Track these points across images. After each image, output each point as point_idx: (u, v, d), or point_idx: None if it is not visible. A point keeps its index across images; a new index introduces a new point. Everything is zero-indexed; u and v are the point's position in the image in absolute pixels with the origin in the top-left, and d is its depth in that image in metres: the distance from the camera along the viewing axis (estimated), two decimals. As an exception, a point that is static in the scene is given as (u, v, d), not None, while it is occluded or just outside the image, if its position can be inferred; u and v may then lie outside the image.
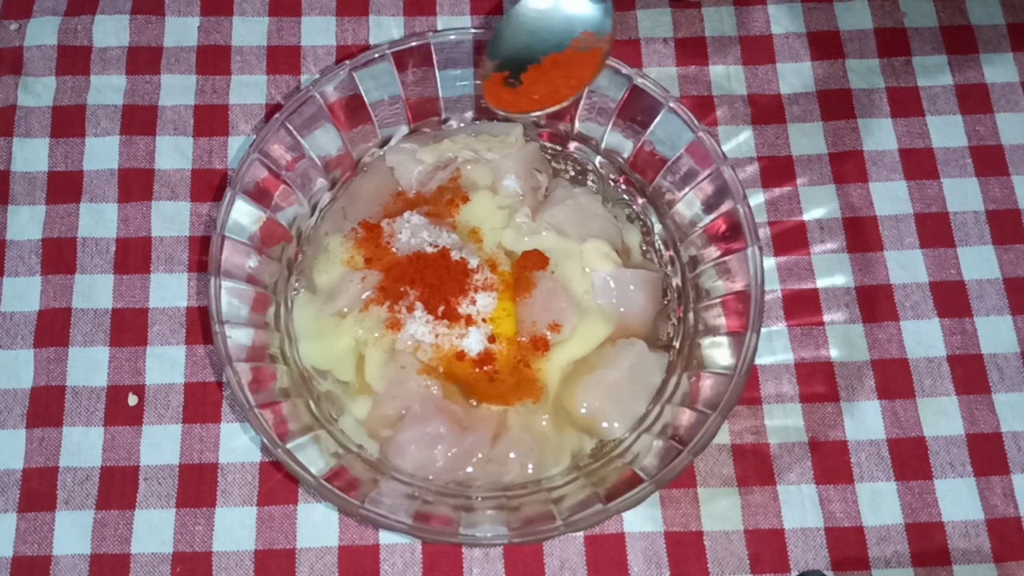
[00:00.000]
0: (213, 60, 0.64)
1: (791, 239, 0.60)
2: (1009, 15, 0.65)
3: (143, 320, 0.57)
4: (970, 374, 0.56)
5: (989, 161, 0.62)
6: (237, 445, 0.55)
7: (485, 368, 0.52)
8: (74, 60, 0.63)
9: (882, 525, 0.53)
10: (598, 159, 0.59)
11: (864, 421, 0.55)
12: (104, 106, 0.62)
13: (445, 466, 0.50)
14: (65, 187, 0.60)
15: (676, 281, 0.56)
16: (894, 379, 0.56)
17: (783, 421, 0.55)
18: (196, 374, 0.56)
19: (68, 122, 0.62)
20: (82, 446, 0.54)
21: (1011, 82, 0.64)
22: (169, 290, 0.58)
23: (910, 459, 0.55)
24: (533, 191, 0.58)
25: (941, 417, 0.55)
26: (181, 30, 0.64)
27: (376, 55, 0.55)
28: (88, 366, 0.56)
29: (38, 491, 0.53)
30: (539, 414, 0.52)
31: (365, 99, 0.56)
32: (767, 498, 0.54)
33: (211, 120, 0.62)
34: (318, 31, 0.65)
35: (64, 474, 0.54)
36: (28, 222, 0.59)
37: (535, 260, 0.54)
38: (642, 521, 0.53)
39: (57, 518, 0.53)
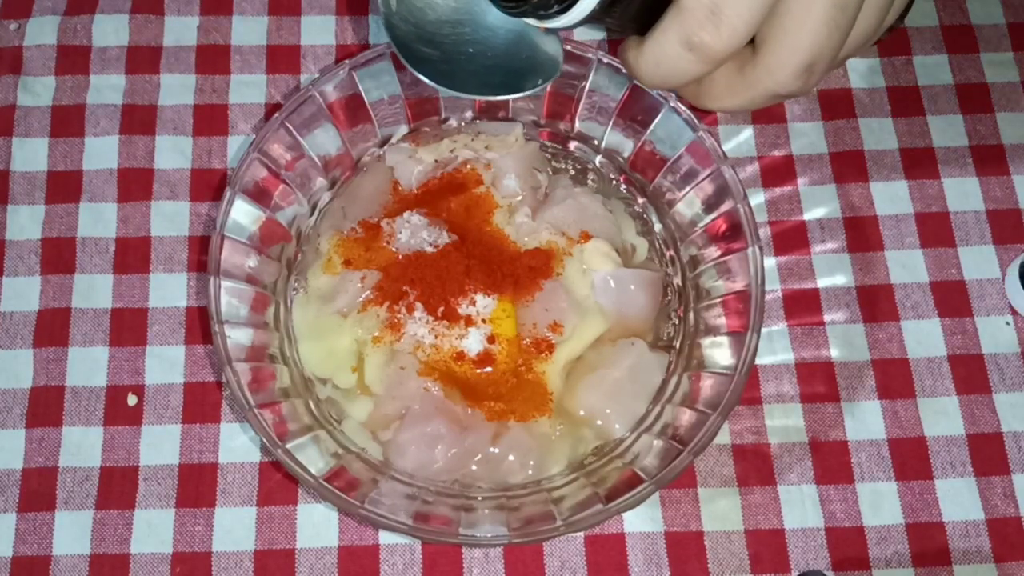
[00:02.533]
0: (212, 59, 0.64)
1: (791, 239, 0.59)
2: (1009, 15, 0.65)
3: (142, 320, 0.57)
4: (970, 374, 0.56)
5: (989, 160, 0.61)
6: (237, 445, 0.55)
7: (486, 369, 0.52)
8: (73, 60, 0.63)
9: (882, 525, 0.53)
10: (598, 158, 0.59)
11: (864, 421, 0.55)
12: (103, 106, 0.62)
13: (445, 466, 0.50)
14: (64, 187, 0.60)
15: (676, 281, 0.56)
16: (894, 379, 0.56)
17: (783, 421, 0.55)
18: (196, 374, 0.56)
19: (67, 122, 0.62)
20: (82, 446, 0.54)
21: (1011, 81, 0.64)
22: (168, 290, 0.58)
23: (910, 459, 0.55)
24: (533, 190, 0.58)
25: (941, 417, 0.55)
26: (180, 29, 0.64)
27: (376, 54, 0.55)
28: (87, 366, 0.56)
29: (37, 491, 0.53)
30: (539, 414, 0.52)
31: (365, 98, 0.56)
32: (767, 498, 0.54)
33: (210, 120, 0.62)
34: (318, 30, 0.65)
35: (64, 474, 0.54)
36: (27, 222, 0.59)
37: (541, 259, 0.54)
38: (642, 521, 0.53)
39: (57, 518, 0.53)
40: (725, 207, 0.53)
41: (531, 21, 0.41)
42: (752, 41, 0.38)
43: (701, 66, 0.38)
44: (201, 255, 0.59)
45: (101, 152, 0.61)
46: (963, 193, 0.61)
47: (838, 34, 0.37)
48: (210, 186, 0.60)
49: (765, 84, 0.39)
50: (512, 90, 0.44)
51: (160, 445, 0.54)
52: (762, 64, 0.38)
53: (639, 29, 0.40)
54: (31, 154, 0.61)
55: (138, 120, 0.62)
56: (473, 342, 0.52)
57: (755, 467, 0.54)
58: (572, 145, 0.60)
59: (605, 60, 0.54)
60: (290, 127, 0.54)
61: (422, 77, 0.42)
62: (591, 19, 0.39)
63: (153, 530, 0.53)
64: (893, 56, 0.64)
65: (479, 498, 0.50)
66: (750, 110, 0.41)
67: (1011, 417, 0.55)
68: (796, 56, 0.37)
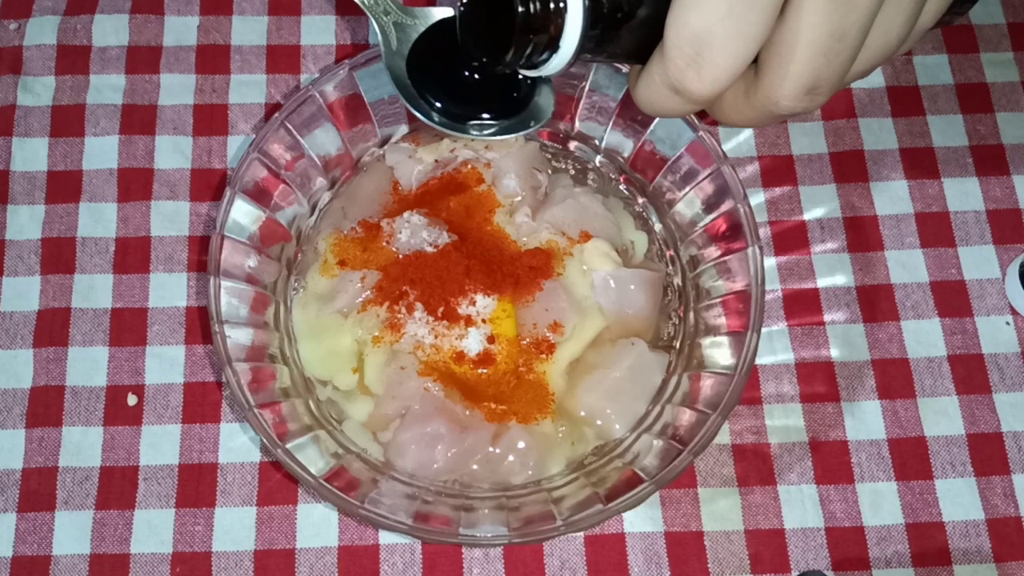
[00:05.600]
0: (212, 59, 0.64)
1: (791, 239, 0.59)
2: (1009, 15, 0.65)
3: (142, 320, 0.57)
4: (970, 374, 0.56)
5: (990, 160, 0.61)
6: (237, 445, 0.55)
7: (484, 370, 0.52)
8: (73, 59, 0.63)
9: (882, 525, 0.53)
10: (598, 158, 0.59)
11: (865, 421, 0.55)
12: (103, 105, 0.62)
13: (445, 466, 0.50)
14: (64, 187, 0.60)
15: (676, 281, 0.56)
16: (894, 379, 0.56)
17: (783, 421, 0.55)
18: (195, 374, 0.56)
19: (67, 122, 0.62)
20: (81, 446, 0.54)
21: (1011, 81, 0.64)
22: (168, 290, 0.58)
23: (910, 459, 0.55)
24: (533, 190, 0.58)
25: (941, 417, 0.55)
26: (180, 29, 0.64)
27: (376, 54, 0.55)
28: (87, 366, 0.56)
29: (38, 491, 0.53)
30: (540, 414, 0.52)
31: (365, 98, 0.56)
32: (767, 498, 0.54)
33: (210, 120, 0.62)
34: (318, 30, 0.65)
35: (64, 474, 0.54)
36: (27, 222, 0.59)
37: (541, 259, 0.54)
38: (642, 521, 0.53)
39: (57, 518, 0.53)
40: (725, 207, 0.53)
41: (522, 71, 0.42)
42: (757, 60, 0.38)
43: (690, 106, 0.38)
44: (201, 255, 0.59)
45: (101, 152, 0.61)
46: (963, 193, 0.61)
47: (838, 60, 0.36)
48: (210, 186, 0.60)
49: (767, 107, 0.38)
50: (508, 131, 0.45)
51: (160, 445, 0.54)
52: (762, 90, 0.37)
53: (640, 60, 0.39)
54: (31, 154, 0.61)
55: (138, 120, 0.62)
56: (473, 342, 0.52)
57: (755, 467, 0.54)
58: (572, 145, 0.60)
59: (605, 60, 0.54)
60: (290, 127, 0.54)
61: (420, 116, 0.44)
62: (583, 60, 0.39)
63: (153, 530, 0.53)
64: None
65: (479, 498, 0.50)
66: (761, 127, 0.40)
67: (1011, 417, 0.55)
68: (795, 83, 0.37)
